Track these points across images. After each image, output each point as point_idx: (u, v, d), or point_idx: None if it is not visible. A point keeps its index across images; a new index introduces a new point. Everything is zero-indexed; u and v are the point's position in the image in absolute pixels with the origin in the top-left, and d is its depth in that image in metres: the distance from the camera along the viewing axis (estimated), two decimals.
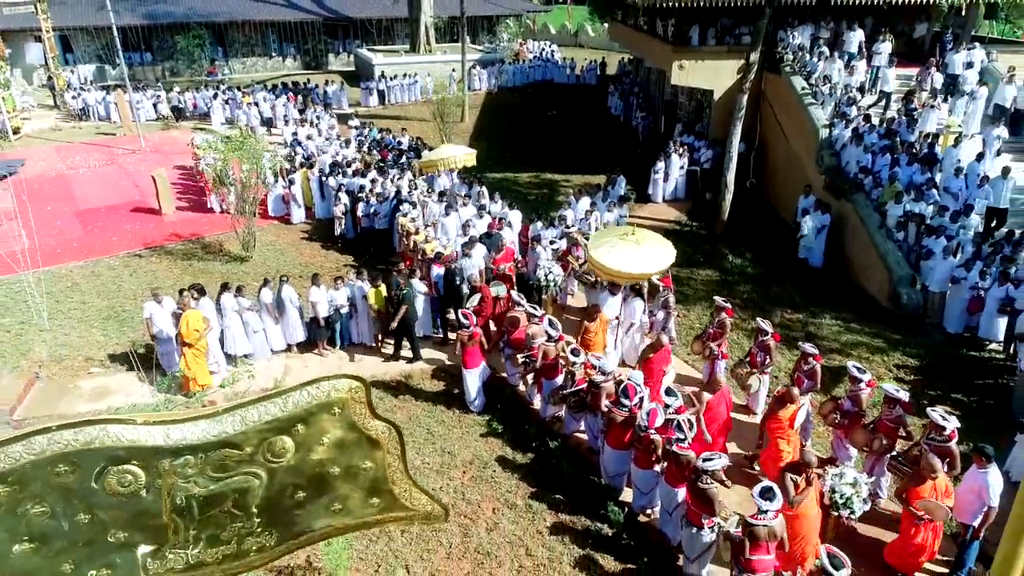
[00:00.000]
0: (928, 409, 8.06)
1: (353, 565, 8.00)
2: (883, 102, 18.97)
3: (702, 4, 19.71)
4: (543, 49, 44.27)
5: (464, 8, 31.95)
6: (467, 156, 17.15)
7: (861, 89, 19.26)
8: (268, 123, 29.27)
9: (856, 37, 20.13)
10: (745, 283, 15.67)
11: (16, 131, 27.84)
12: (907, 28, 22.43)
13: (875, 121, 17.34)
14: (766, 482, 6.91)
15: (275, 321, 12.20)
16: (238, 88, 32.76)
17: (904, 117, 17.08)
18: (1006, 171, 14.61)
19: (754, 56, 16.75)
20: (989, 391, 11.51)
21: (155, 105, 31.80)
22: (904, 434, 8.53)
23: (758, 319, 10.70)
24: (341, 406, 1.96)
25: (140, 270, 16.14)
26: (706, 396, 9.01)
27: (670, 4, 19.60)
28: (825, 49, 19.95)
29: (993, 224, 14.90)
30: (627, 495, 8.91)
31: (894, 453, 8.40)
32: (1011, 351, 11.98)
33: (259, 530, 2.02)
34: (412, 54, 40.50)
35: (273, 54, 44.08)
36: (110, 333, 13.28)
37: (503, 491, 9.20)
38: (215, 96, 30.64)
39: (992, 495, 7.25)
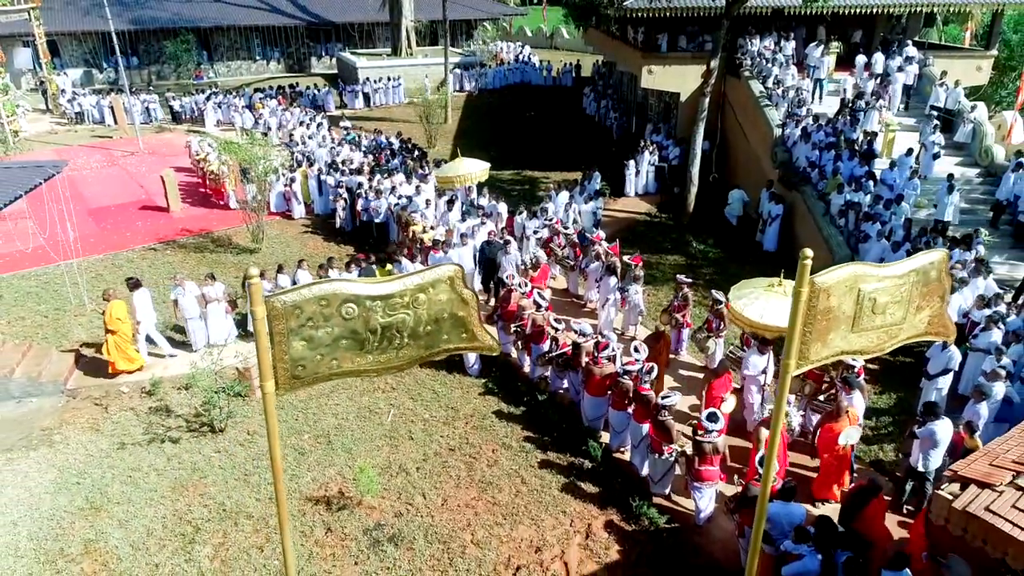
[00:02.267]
0: None
1: (379, 494, 9.64)
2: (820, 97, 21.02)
3: (669, 15, 21.53)
4: (519, 52, 45.93)
5: (446, 13, 33.45)
6: (483, 172, 16.96)
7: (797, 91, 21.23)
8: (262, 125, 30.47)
9: (790, 46, 22.25)
10: (707, 266, 17.54)
11: (15, 134, 28.87)
12: (850, 33, 24.45)
13: (822, 121, 19.29)
14: (711, 409, 8.71)
15: None
16: (235, 91, 34.03)
17: (848, 117, 19.07)
18: (951, 187, 16.08)
19: (714, 63, 18.59)
20: (908, 351, 13.42)
21: (148, 108, 32.93)
22: (827, 380, 10.35)
23: (713, 290, 12.54)
24: (452, 279, 3.49)
25: (157, 262, 17.57)
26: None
27: (639, 14, 21.40)
28: (780, 56, 21.91)
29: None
30: (605, 437, 10.66)
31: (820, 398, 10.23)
32: None
33: (409, 344, 3.57)
34: (394, 57, 41.99)
35: (257, 58, 45.28)
36: None
37: (500, 436, 10.91)
38: (207, 100, 31.87)
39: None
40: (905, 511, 9.10)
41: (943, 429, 8.59)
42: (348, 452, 10.58)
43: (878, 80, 20.17)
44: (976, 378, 11.07)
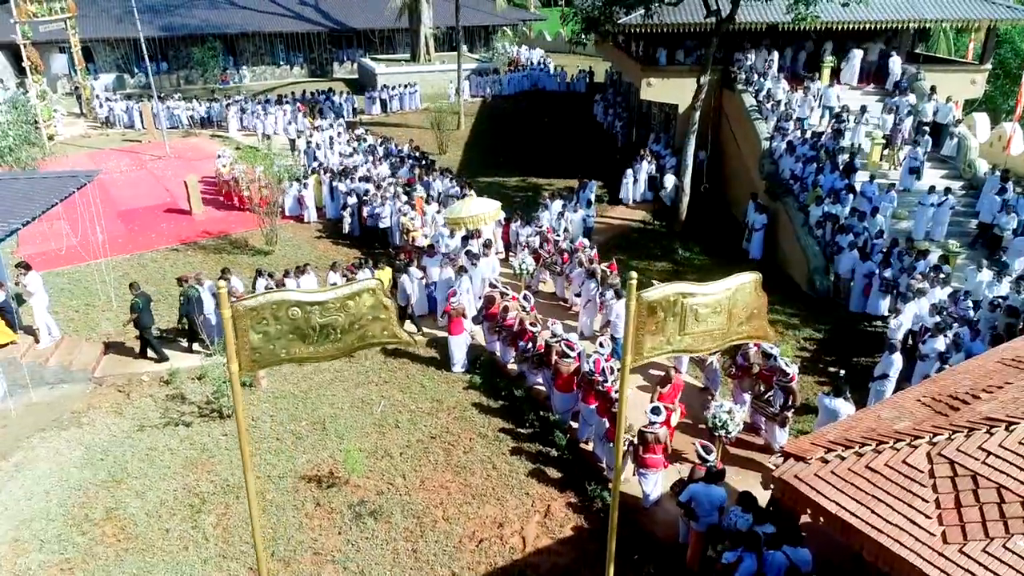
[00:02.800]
0: (779, 359, 10.85)
1: (364, 475, 10.82)
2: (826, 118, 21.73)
3: (665, 30, 22.46)
4: (531, 58, 46.95)
5: (459, 20, 34.63)
6: (494, 212, 16.77)
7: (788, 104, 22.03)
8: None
9: (774, 60, 23.15)
10: (692, 272, 18.46)
11: (51, 138, 30.64)
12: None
13: (808, 134, 20.12)
14: (655, 402, 9.75)
15: None
16: (256, 97, 35.56)
17: (831, 130, 19.89)
18: (940, 211, 16.80)
19: (704, 79, 19.52)
20: (870, 353, 14.30)
21: (174, 114, 34.56)
22: (776, 378, 11.29)
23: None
24: (374, 290, 4.58)
25: (179, 262, 18.97)
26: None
27: (637, 29, 22.36)
28: (772, 70, 22.75)
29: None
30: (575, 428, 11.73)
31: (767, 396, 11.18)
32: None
33: (340, 339, 4.71)
34: (412, 63, 43.33)
35: (281, 63, 46.89)
36: (161, 312, 16.05)
37: (478, 426, 12.04)
38: (229, 106, 33.40)
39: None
40: None
41: (844, 408, 9.67)
42: (340, 437, 11.78)
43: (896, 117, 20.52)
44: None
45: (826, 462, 5.07)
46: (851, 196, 17.75)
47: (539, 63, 44.95)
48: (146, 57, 30.70)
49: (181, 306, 14.01)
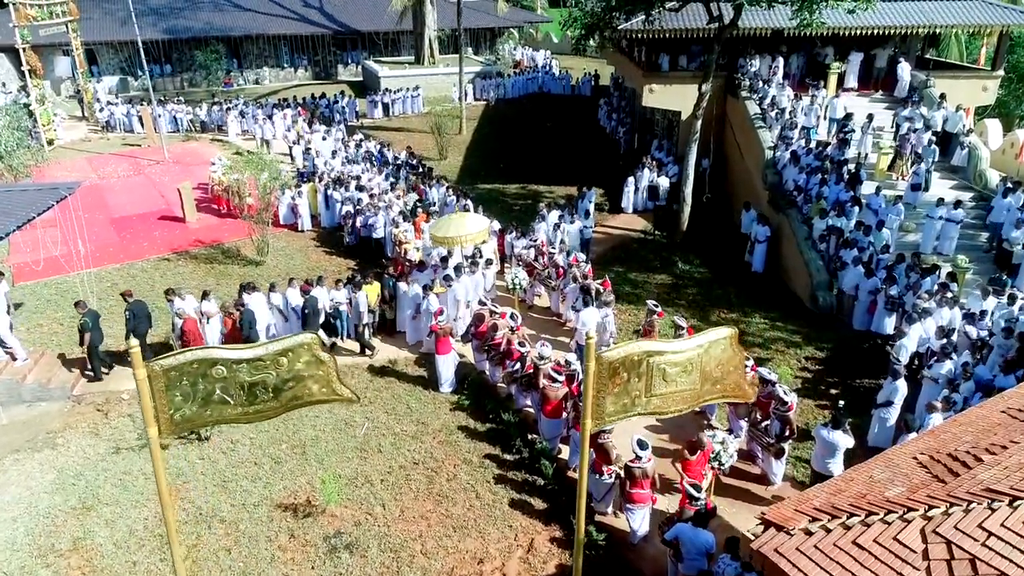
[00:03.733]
0: (777, 386, 10.37)
1: (342, 503, 10.42)
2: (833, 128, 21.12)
3: (667, 36, 21.98)
4: (535, 60, 46.49)
5: (461, 22, 34.21)
6: (481, 233, 15.76)
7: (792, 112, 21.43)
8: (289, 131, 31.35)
9: (779, 67, 22.58)
10: (693, 286, 17.99)
11: (50, 142, 30.46)
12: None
13: (813, 144, 19.57)
14: (641, 435, 9.29)
15: (284, 318, 14.62)
16: (257, 101, 35.28)
17: (837, 140, 19.33)
18: (949, 225, 16.23)
19: (706, 86, 19.02)
20: (875, 375, 13.77)
21: (175, 118, 34.32)
22: (773, 406, 10.81)
23: (675, 317, 13.06)
24: (309, 345, 4.19)
25: (169, 272, 18.64)
26: None
27: (639, 34, 21.89)
28: (777, 77, 22.20)
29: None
30: (566, 452, 11.27)
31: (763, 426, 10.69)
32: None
33: (272, 399, 4.30)
34: (416, 66, 42.97)
35: (285, 65, 46.63)
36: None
37: (463, 451, 11.61)
38: (230, 110, 33.12)
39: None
40: None
41: (843, 441, 9.20)
42: (320, 463, 11.39)
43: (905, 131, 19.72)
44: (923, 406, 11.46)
45: (810, 534, 4.61)
46: (856, 209, 17.19)
47: (544, 66, 44.50)
48: (144, 60, 30.45)
49: (127, 322, 13.57)
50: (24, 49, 30.41)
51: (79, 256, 16.21)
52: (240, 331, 13.40)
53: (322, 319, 14.45)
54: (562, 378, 10.87)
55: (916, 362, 12.80)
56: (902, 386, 11.04)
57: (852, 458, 10.16)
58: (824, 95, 21.68)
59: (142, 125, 33.04)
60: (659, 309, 13.45)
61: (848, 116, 20.05)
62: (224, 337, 13.81)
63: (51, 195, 13.43)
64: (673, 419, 12.14)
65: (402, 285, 14.62)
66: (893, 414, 11.13)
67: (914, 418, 9.94)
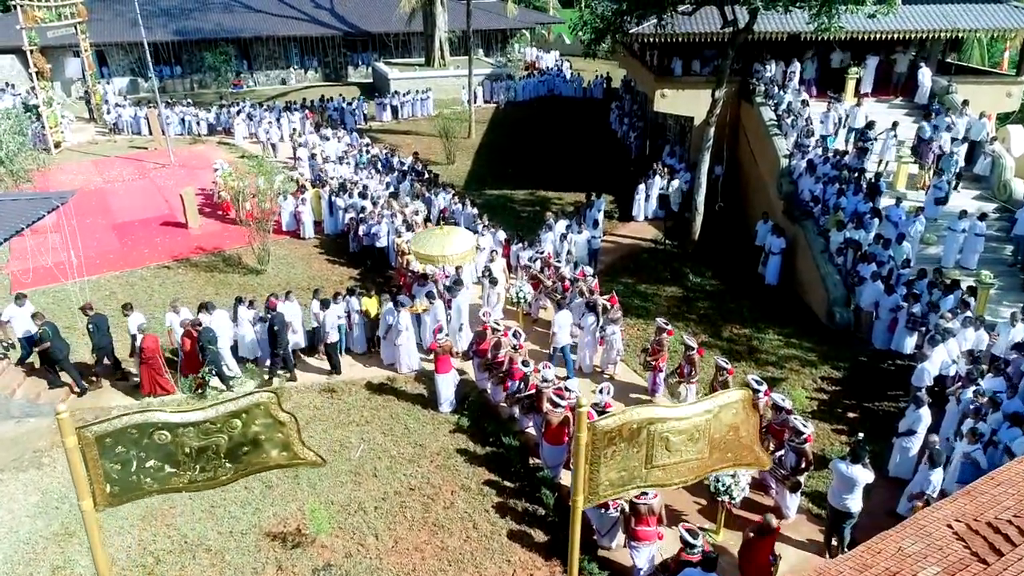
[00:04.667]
0: (792, 417, 9.80)
1: (333, 532, 9.96)
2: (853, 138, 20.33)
3: (680, 40, 21.39)
4: (547, 62, 45.94)
5: (471, 24, 33.72)
6: (467, 253, 14.85)
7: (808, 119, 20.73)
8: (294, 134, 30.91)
9: (795, 72, 21.86)
10: (704, 300, 17.40)
11: (57, 145, 30.28)
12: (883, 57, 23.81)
13: (830, 153, 18.91)
14: None
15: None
16: (269, 105, 34.97)
17: (855, 148, 18.67)
18: (972, 237, 15.57)
19: (719, 93, 18.42)
20: (895, 397, 13.16)
21: (183, 120, 34.07)
22: (787, 435, 10.24)
23: (684, 335, 12.53)
24: (266, 405, 3.74)
25: (168, 281, 18.28)
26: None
27: (650, 39, 21.31)
28: (793, 82, 21.54)
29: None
30: (567, 478, 10.76)
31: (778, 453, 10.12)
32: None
33: (226, 464, 3.85)
34: (427, 68, 42.57)
35: (295, 67, 46.36)
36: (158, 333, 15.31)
37: (462, 476, 11.12)
38: (238, 112, 32.83)
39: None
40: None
41: (862, 476, 8.65)
42: (313, 488, 10.93)
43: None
44: (951, 434, 10.87)
45: None
46: (876, 221, 16.56)
47: (555, 68, 43.96)
48: (150, 63, 30.17)
49: (91, 335, 13.22)
50: (31, 51, 30.26)
51: (71, 265, 15.77)
52: (201, 351, 12.88)
53: (298, 335, 13.96)
54: (564, 403, 10.35)
55: (940, 386, 12.16)
56: (925, 414, 10.45)
57: (872, 492, 9.62)
58: (847, 106, 20.80)
59: (150, 127, 32.82)
60: (669, 327, 12.91)
61: (870, 124, 19.24)
62: (183, 357, 13.21)
63: (43, 205, 13.08)
64: None
65: (401, 299, 14.10)
66: (916, 443, 10.54)
67: (940, 451, 9.33)
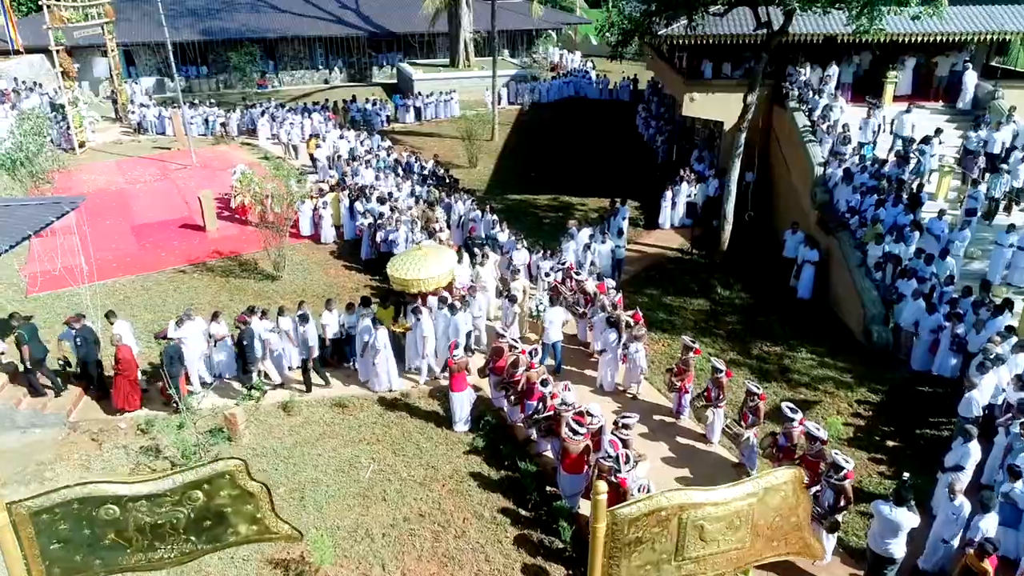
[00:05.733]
0: (832, 452, 9.09)
1: (338, 561, 9.47)
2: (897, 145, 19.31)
3: (711, 42, 20.65)
4: (575, 64, 45.27)
5: (495, 24, 33.19)
6: (446, 275, 14.25)
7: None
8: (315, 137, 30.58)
9: (832, 76, 20.93)
10: (732, 314, 16.66)
11: (82, 145, 30.31)
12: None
13: (868, 162, 18.03)
14: None
15: (293, 343, 13.75)
16: (292, 106, 34.77)
17: (895, 157, 17.78)
18: (1019, 255, 14.74)
19: (751, 98, 17.68)
20: (937, 424, 12.35)
21: (206, 120, 33.98)
22: (824, 467, 9.53)
23: (712, 358, 11.82)
24: (232, 474, 3.26)
25: (183, 285, 17.98)
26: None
27: (679, 41, 20.59)
28: (829, 87, 20.65)
29: None
30: (586, 507, 10.16)
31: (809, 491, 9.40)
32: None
33: (191, 540, 3.37)
34: (451, 69, 42.16)
35: (320, 67, 46.25)
36: (153, 345, 15.04)
37: (475, 503, 10.57)
38: (262, 113, 32.64)
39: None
40: None
41: (907, 520, 7.95)
42: (319, 511, 10.46)
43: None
44: (997, 469, 10.11)
45: None
46: (916, 234, 15.69)
47: (581, 69, 43.27)
48: (174, 62, 30.01)
49: (77, 348, 12.87)
50: (57, 51, 30.35)
51: (80, 269, 15.52)
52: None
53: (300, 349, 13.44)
54: (583, 431, 9.76)
55: (989, 414, 11.34)
56: (975, 449, 9.68)
57: (915, 534, 8.89)
58: (893, 112, 19.69)
59: (173, 128, 32.76)
60: (696, 345, 12.24)
61: (926, 138, 18.06)
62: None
63: (52, 210, 12.79)
64: (707, 473, 11.05)
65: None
66: (963, 480, 9.75)
67: (991, 495, 8.58)
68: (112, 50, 34.07)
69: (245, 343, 12.84)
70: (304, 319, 13.04)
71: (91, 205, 23.81)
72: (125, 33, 38.84)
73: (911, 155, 17.82)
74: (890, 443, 12.06)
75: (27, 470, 11.39)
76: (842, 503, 8.91)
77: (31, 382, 12.67)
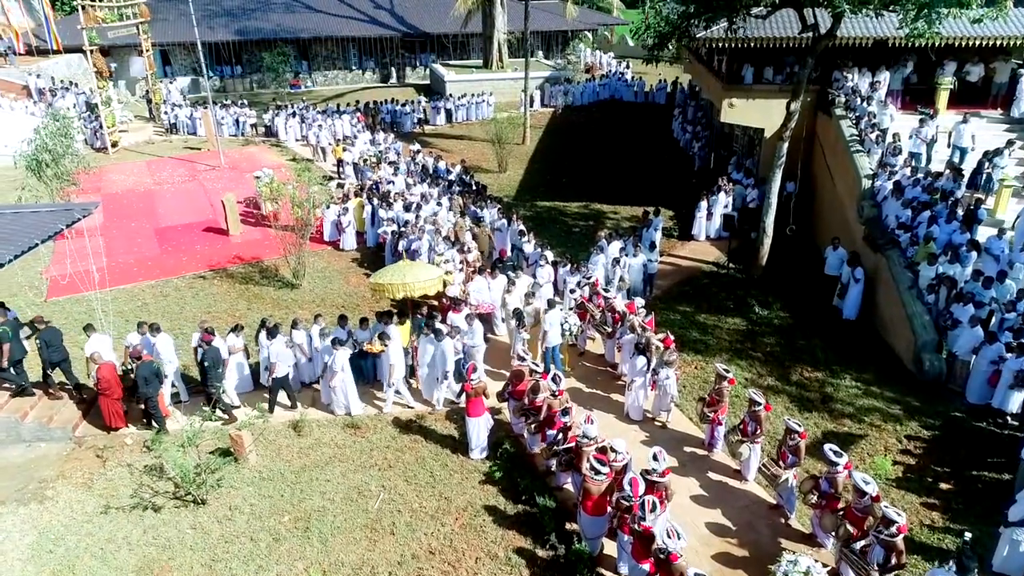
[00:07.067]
0: (882, 504, 8.18)
1: None
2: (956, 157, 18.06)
3: (751, 45, 19.65)
4: (612, 65, 44.34)
5: (528, 25, 32.45)
6: (432, 283, 13.82)
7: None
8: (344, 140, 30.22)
9: (882, 82, 19.71)
10: (771, 335, 15.68)
11: (114, 145, 30.40)
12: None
13: (921, 175, 16.88)
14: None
15: (307, 359, 13.23)
16: (321, 108, 34.51)
17: (951, 170, 16.61)
18: None
19: (795, 105, 16.68)
20: (998, 466, 11.30)
21: (237, 121, 33.88)
22: (872, 521, 8.63)
23: (750, 390, 10.93)
24: None
25: (202, 292, 17.61)
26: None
27: (718, 44, 19.64)
28: (879, 93, 19.48)
29: None
30: (611, 547, 9.39)
31: (855, 545, 8.51)
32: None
33: None
34: (484, 71, 41.59)
35: (353, 67, 46.08)
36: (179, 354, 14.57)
37: (488, 541, 9.86)
38: (292, 115, 32.39)
39: None
40: None
41: None
42: (324, 543, 9.86)
43: None
44: None
45: None
46: (973, 254, 14.55)
47: (616, 71, 42.33)
48: (205, 62, 29.87)
49: (40, 351, 12.49)
50: (91, 51, 30.50)
51: (89, 276, 15.21)
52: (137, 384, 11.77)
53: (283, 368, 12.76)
54: (606, 470, 8.98)
55: None
56: None
57: None
58: (954, 122, 18.35)
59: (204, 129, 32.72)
60: (730, 374, 11.36)
61: (998, 151, 16.82)
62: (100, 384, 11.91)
63: (64, 217, 12.43)
64: (741, 515, 10.20)
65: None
66: None
67: None
68: (147, 50, 34.15)
69: (207, 364, 12.08)
70: (272, 334, 12.45)
71: (118, 206, 23.83)
72: (161, 33, 39.06)
73: (984, 169, 16.56)
74: (943, 486, 11.04)
75: (28, 487, 11.02)
76: (893, 561, 8.00)
77: (7, 378, 12.32)
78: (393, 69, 46.21)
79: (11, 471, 11.45)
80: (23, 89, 33.98)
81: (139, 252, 20.17)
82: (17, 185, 20.78)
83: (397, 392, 12.92)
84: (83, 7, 29.63)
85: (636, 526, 8.18)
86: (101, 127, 29.99)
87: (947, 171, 16.83)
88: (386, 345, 12.48)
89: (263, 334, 12.79)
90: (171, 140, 32.99)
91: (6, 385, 12.56)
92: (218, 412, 12.20)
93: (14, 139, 21.56)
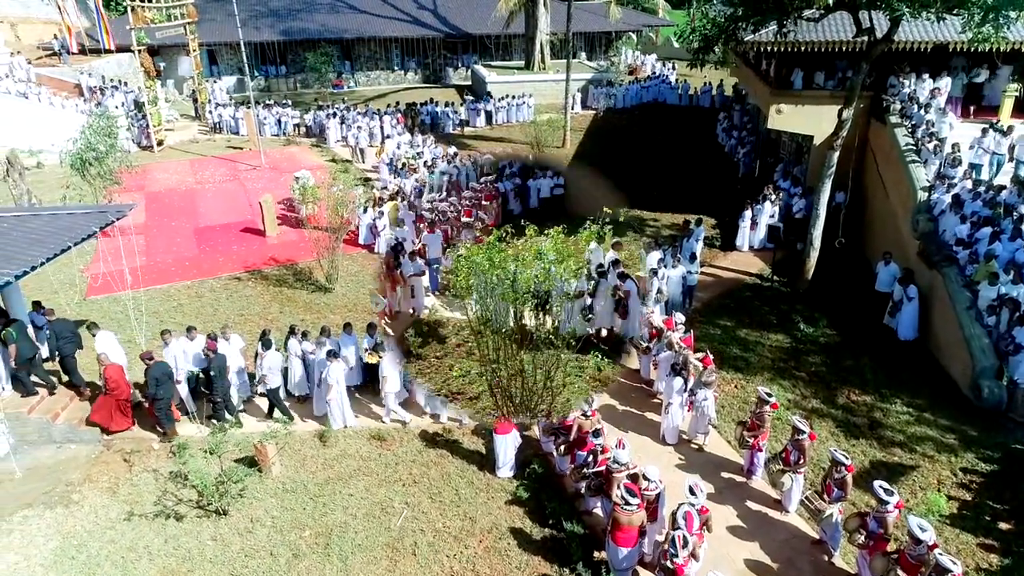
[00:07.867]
0: (936, 552, 7.56)
1: None
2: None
3: (801, 49, 18.87)
4: (656, 67, 43.55)
5: (571, 27, 31.96)
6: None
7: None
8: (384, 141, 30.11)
9: (942, 88, 18.68)
10: (816, 354, 14.95)
11: (160, 143, 30.89)
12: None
13: (982, 188, 15.95)
14: None
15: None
16: (363, 109, 34.59)
17: (1015, 184, 15.65)
18: None
19: (847, 113, 15.90)
20: None
21: (279, 121, 34.13)
22: (925, 570, 8.00)
23: (794, 417, 10.32)
24: None
25: (236, 294, 17.61)
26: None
27: (766, 47, 18.91)
28: (938, 101, 18.50)
29: None
30: None
31: None
32: None
33: None
34: (526, 72, 41.23)
35: (395, 68, 46.18)
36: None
37: (512, 567, 9.49)
38: (331, 116, 32.48)
39: None
40: None
41: None
42: (344, 562, 9.62)
43: None
44: None
45: None
46: None
47: (661, 74, 41.53)
48: (248, 62, 30.15)
49: (48, 342, 12.48)
50: (139, 51, 31.06)
51: (121, 277, 15.26)
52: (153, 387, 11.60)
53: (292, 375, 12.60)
54: (636, 501, 8.52)
55: None
56: None
57: None
58: (1002, 128, 17.45)
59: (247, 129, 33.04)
60: (773, 399, 10.77)
61: None
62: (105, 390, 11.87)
63: (98, 220, 12.45)
64: (781, 550, 9.63)
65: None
66: None
67: None
68: (194, 50, 34.63)
69: (213, 373, 11.86)
70: (267, 344, 12.20)
71: (159, 205, 24.14)
72: (208, 33, 39.61)
73: None
74: (1003, 526, 10.27)
75: (55, 490, 11.03)
76: None
77: (22, 381, 12.27)
78: (436, 69, 46.14)
79: (41, 472, 11.50)
80: (75, 88, 34.88)
81: (177, 252, 20.33)
82: (63, 183, 21.15)
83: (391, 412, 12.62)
84: (132, 8, 30.15)
85: (669, 563, 7.71)
86: (148, 125, 30.49)
87: (1011, 184, 15.86)
88: (381, 356, 12.22)
89: (259, 345, 12.50)
90: (215, 139, 33.41)
91: (36, 382, 12.60)
92: (276, 414, 12.37)
93: (62, 137, 21.92)
